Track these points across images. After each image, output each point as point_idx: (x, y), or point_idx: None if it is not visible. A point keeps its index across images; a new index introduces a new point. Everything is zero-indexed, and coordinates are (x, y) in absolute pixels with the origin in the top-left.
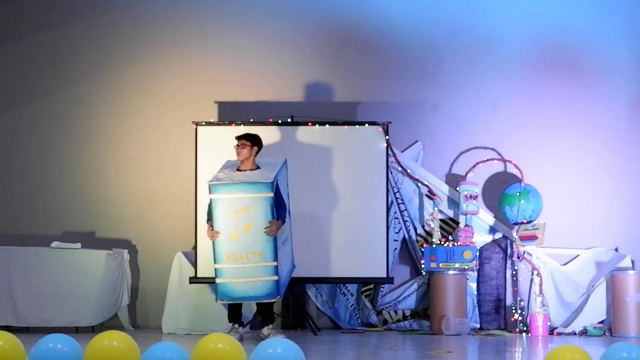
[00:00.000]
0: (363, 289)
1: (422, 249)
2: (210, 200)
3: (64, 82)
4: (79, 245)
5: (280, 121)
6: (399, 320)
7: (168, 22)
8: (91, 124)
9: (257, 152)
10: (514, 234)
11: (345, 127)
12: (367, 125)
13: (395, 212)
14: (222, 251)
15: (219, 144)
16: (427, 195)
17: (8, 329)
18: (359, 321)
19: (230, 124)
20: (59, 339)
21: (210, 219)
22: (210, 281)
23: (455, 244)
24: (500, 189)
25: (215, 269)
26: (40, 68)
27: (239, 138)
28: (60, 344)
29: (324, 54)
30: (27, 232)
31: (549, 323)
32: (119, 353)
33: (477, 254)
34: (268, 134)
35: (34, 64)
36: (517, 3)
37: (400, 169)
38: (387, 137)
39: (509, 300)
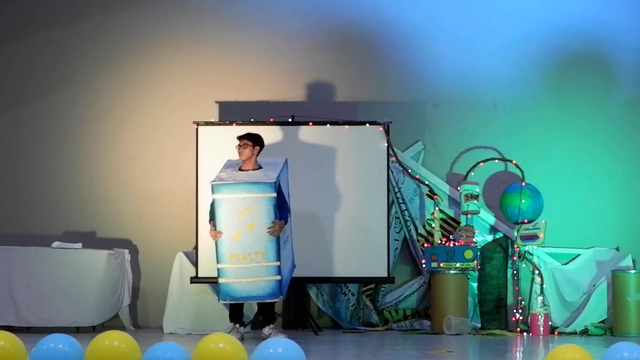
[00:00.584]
0: (364, 288)
1: (423, 249)
2: (213, 200)
3: (65, 82)
4: (79, 245)
5: (281, 121)
6: (400, 320)
7: (169, 22)
8: (92, 124)
9: (258, 152)
10: (515, 233)
11: (346, 126)
12: (367, 125)
13: (396, 212)
14: (225, 251)
15: (220, 144)
16: (428, 195)
17: (9, 328)
18: (360, 321)
19: (230, 123)
20: (60, 339)
21: (212, 218)
22: (211, 281)
23: (456, 243)
24: (501, 189)
25: (218, 269)
26: (41, 68)
27: (240, 138)
28: (62, 343)
29: (324, 54)
30: (28, 232)
31: (550, 323)
32: (120, 353)
33: (478, 253)
34: (269, 134)
35: (35, 64)
36: (516, 3)
37: (401, 168)
38: (388, 137)
39: (510, 299)
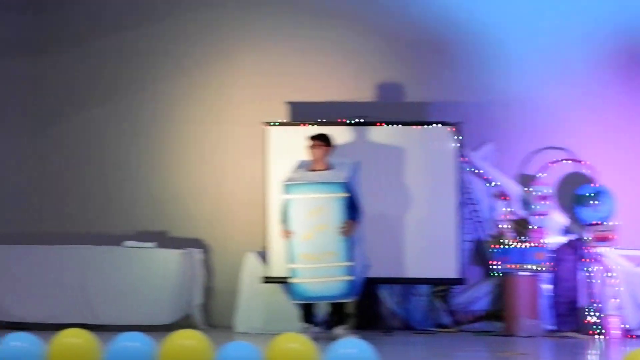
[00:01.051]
0: (435, 289)
1: (494, 250)
2: (285, 200)
3: (138, 83)
4: (152, 244)
5: (350, 121)
6: (471, 322)
7: (239, 22)
8: (164, 125)
9: (330, 153)
10: (588, 235)
11: (416, 127)
12: (438, 125)
13: (467, 213)
14: (297, 251)
15: (289, 144)
16: (498, 196)
17: (83, 326)
18: (432, 322)
19: (300, 124)
20: (135, 337)
21: (284, 219)
22: (282, 281)
23: (528, 245)
24: (573, 190)
25: (290, 269)
26: (114, 69)
27: (312, 138)
28: (136, 341)
29: (394, 54)
30: (101, 232)
31: (624, 325)
32: (194, 351)
33: (550, 255)
34: (338, 135)
35: (108, 64)
36: (590, 0)
37: (471, 169)
38: (458, 137)
39: (583, 302)
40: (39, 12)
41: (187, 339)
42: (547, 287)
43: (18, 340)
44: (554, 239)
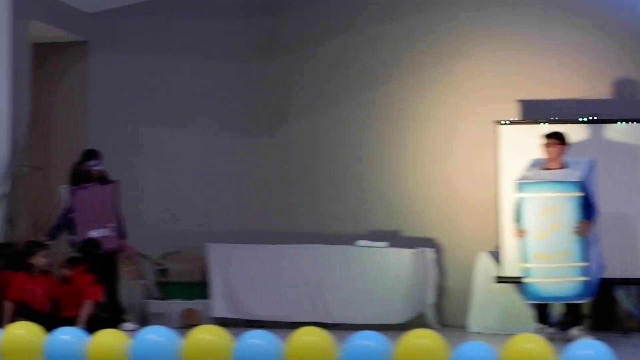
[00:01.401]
0: None
1: None
2: (519, 199)
3: (367, 83)
4: (385, 243)
5: (584, 119)
6: None
7: (471, 21)
8: (395, 124)
9: (565, 151)
10: None
11: None
12: None
13: None
14: (530, 250)
15: (521, 143)
16: None
17: (317, 325)
18: None
19: (532, 122)
20: (370, 336)
21: (517, 217)
22: (516, 281)
23: None
24: None
25: (524, 269)
26: (343, 69)
27: (547, 136)
28: (372, 340)
29: (629, 50)
30: (335, 231)
31: None
32: (429, 350)
33: None
34: (572, 133)
35: (337, 65)
36: None
37: None
38: None
39: None
40: (268, 16)
41: (423, 338)
42: None
43: (256, 338)
44: None
